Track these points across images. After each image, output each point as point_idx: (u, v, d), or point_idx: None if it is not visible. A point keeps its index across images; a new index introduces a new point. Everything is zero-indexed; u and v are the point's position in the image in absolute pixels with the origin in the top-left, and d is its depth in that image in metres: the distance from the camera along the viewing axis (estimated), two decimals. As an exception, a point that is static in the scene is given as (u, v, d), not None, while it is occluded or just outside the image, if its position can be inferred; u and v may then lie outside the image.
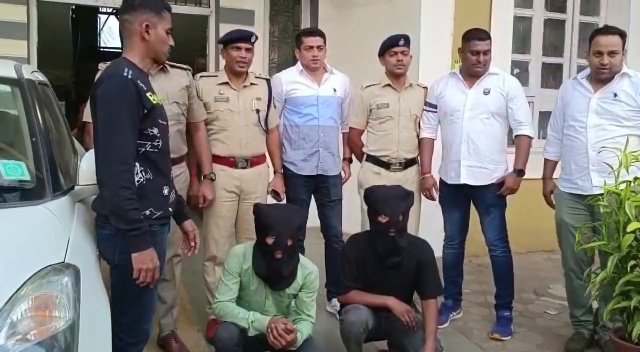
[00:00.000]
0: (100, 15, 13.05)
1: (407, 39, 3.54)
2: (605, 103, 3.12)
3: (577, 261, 3.27)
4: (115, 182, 2.02)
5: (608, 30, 3.18)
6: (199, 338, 3.35)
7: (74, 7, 10.21)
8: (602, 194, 2.90)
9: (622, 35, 3.13)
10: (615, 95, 3.10)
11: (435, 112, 3.61)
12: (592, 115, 3.14)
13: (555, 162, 3.47)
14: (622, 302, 2.73)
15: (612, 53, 3.07)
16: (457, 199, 3.63)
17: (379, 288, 2.87)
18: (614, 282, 2.76)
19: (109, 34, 13.83)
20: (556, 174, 3.49)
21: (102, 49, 13.39)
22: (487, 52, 3.43)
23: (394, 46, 3.51)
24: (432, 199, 3.73)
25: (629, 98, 3.09)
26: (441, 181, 3.68)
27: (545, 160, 3.50)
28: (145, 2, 2.18)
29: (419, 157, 3.70)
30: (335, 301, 3.54)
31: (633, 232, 2.61)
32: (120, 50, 8.78)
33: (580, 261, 3.26)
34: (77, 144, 3.07)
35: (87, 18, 12.25)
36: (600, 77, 3.13)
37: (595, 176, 3.11)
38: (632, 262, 2.66)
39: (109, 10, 12.13)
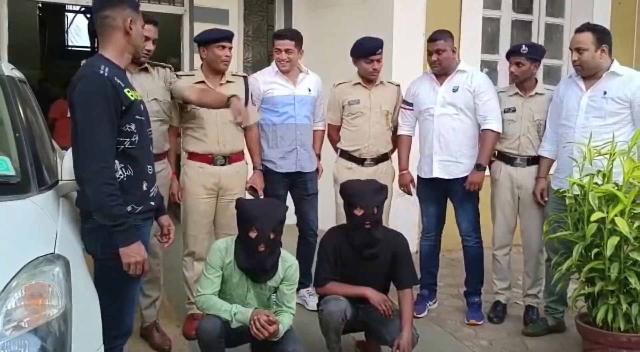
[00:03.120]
0: (67, 13, 12.84)
1: (382, 46, 3.62)
2: (594, 101, 3.17)
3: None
4: (97, 180, 2.05)
5: (580, 28, 3.22)
6: (178, 333, 3.39)
7: (40, 5, 10.06)
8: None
9: (595, 31, 3.15)
10: (605, 92, 3.15)
11: (412, 109, 3.73)
12: (581, 114, 3.20)
13: (551, 161, 3.48)
14: (587, 289, 2.88)
15: (579, 50, 3.14)
16: (432, 193, 3.75)
17: (356, 279, 2.95)
18: (579, 270, 2.90)
19: (76, 33, 13.62)
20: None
21: (69, 48, 13.17)
22: (440, 51, 3.54)
23: (370, 55, 3.57)
24: (410, 193, 3.86)
25: (619, 92, 3.11)
26: (418, 175, 3.80)
27: (541, 157, 3.51)
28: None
29: (390, 153, 3.82)
30: (303, 291, 3.64)
31: (596, 221, 2.74)
32: (87, 49, 8.65)
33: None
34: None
35: (54, 16, 12.04)
36: (578, 73, 3.24)
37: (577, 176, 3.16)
38: (595, 250, 2.79)
39: (76, 8, 11.96)
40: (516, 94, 3.61)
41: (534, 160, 3.55)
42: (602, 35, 3.17)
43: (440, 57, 3.55)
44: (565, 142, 3.28)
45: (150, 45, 3.13)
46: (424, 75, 3.79)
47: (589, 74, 3.20)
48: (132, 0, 2.24)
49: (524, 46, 3.53)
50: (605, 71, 3.17)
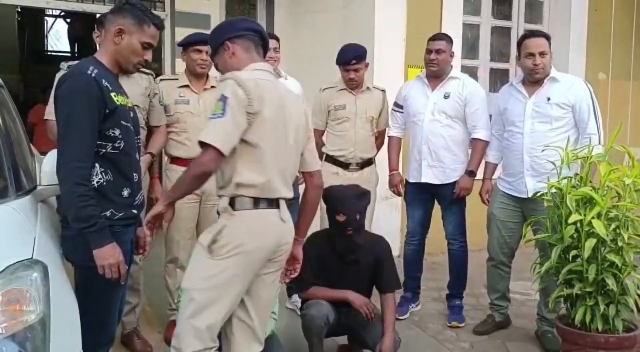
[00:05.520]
0: (47, 18, 12.69)
1: (360, 56, 3.60)
2: (539, 107, 3.29)
3: (499, 251, 3.52)
4: (71, 179, 2.03)
5: (534, 33, 3.38)
6: (160, 339, 3.36)
7: (19, 9, 9.95)
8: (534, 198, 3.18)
9: (547, 37, 3.32)
10: (549, 99, 3.27)
11: (402, 112, 3.77)
12: (527, 120, 3.31)
13: (495, 165, 3.64)
14: (565, 290, 2.92)
15: (542, 53, 3.24)
16: (419, 197, 3.78)
17: (339, 284, 2.96)
18: (557, 272, 2.94)
19: (56, 38, 13.47)
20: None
21: (49, 53, 13.01)
22: (439, 51, 3.59)
23: (346, 64, 3.60)
24: (399, 194, 3.88)
25: (562, 98, 3.25)
26: (406, 179, 3.84)
27: (486, 162, 3.65)
28: (132, 9, 2.20)
29: (375, 158, 3.84)
30: (295, 297, 3.62)
31: (574, 224, 2.79)
32: (67, 54, 8.62)
33: (502, 252, 3.52)
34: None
35: (34, 21, 11.90)
36: (535, 77, 3.29)
37: (530, 180, 3.31)
38: (573, 252, 2.84)
39: (56, 13, 11.83)
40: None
41: None
42: (550, 42, 3.31)
43: (439, 57, 3.59)
44: (513, 147, 3.39)
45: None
46: (417, 78, 3.82)
47: (541, 78, 3.30)
48: (140, 14, 2.20)
49: (353, 60, 3.54)
50: (547, 77, 3.29)
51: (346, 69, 3.60)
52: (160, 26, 2.28)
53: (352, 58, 3.58)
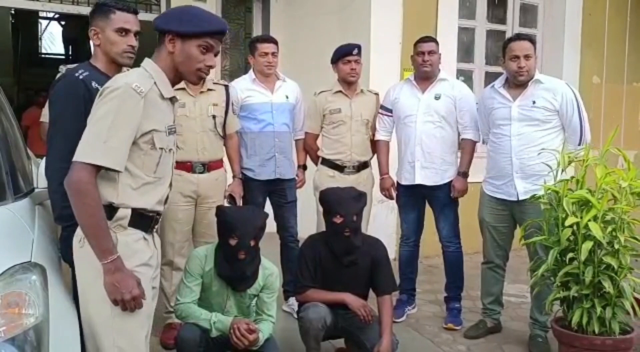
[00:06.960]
0: (41, 20, 12.65)
1: (360, 49, 3.68)
2: (525, 110, 3.29)
3: (493, 254, 3.53)
4: (55, 179, 2.06)
5: (519, 36, 3.37)
6: (155, 342, 3.34)
7: (13, 12, 9.92)
8: (526, 200, 3.21)
9: (532, 41, 3.31)
10: (534, 102, 3.27)
11: (391, 115, 3.77)
12: (514, 123, 3.31)
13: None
14: (562, 293, 2.93)
15: (527, 56, 3.23)
16: (412, 199, 3.79)
17: (336, 286, 2.96)
18: (554, 274, 2.96)
19: (50, 40, 13.44)
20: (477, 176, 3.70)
21: (43, 55, 12.97)
22: (431, 53, 3.62)
23: (347, 55, 3.64)
24: (391, 198, 3.89)
25: (546, 102, 3.26)
26: (397, 182, 3.84)
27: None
28: (96, 9, 2.28)
29: (371, 160, 3.85)
30: (292, 300, 3.62)
31: (570, 226, 2.80)
32: (61, 56, 8.63)
33: (496, 255, 3.53)
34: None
35: (28, 24, 11.86)
36: (519, 80, 3.27)
37: (520, 183, 3.31)
38: (570, 255, 2.85)
39: (50, 15, 11.81)
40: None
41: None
42: (535, 45, 3.31)
43: (432, 58, 3.62)
44: (500, 150, 3.38)
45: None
46: (405, 82, 3.84)
47: (525, 80, 3.29)
48: (102, 7, 2.26)
49: (355, 49, 3.65)
50: (532, 80, 3.29)
51: (348, 61, 3.63)
52: (129, 9, 2.30)
53: (353, 48, 3.63)
